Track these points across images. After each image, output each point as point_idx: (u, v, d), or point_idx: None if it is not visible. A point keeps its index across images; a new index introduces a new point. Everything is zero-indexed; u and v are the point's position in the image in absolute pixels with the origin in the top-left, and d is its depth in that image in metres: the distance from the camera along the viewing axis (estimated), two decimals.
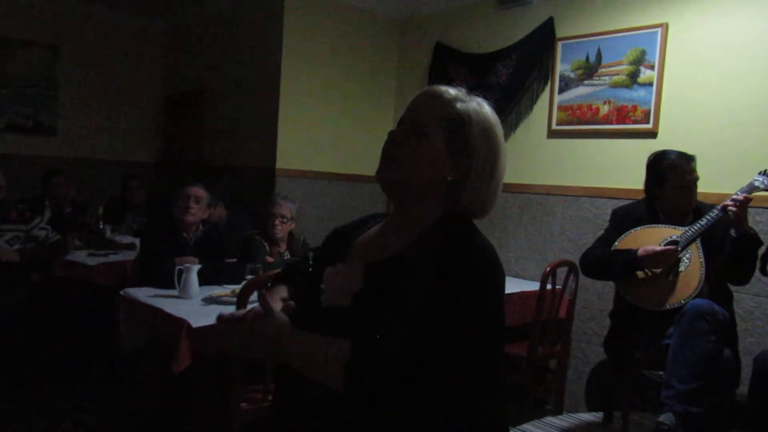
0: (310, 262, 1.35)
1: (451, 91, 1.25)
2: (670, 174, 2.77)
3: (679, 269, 2.69)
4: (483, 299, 1.13)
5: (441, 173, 1.21)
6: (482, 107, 1.26)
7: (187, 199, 3.29)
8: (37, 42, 5.40)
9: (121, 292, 2.96)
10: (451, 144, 1.21)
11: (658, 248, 2.67)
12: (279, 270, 1.39)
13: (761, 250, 2.68)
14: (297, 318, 1.20)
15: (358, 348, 1.09)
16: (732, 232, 2.59)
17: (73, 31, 5.58)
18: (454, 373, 1.09)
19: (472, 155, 1.21)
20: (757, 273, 2.70)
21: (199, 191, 3.34)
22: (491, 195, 1.25)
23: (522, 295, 3.59)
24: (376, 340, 1.09)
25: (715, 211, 2.65)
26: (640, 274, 2.73)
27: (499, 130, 1.26)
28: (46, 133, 5.49)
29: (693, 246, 2.69)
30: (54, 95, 5.53)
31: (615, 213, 3.03)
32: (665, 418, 2.41)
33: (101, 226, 4.47)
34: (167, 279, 2.90)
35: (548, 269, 3.33)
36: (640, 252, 2.68)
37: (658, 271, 2.70)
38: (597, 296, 3.68)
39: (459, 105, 1.23)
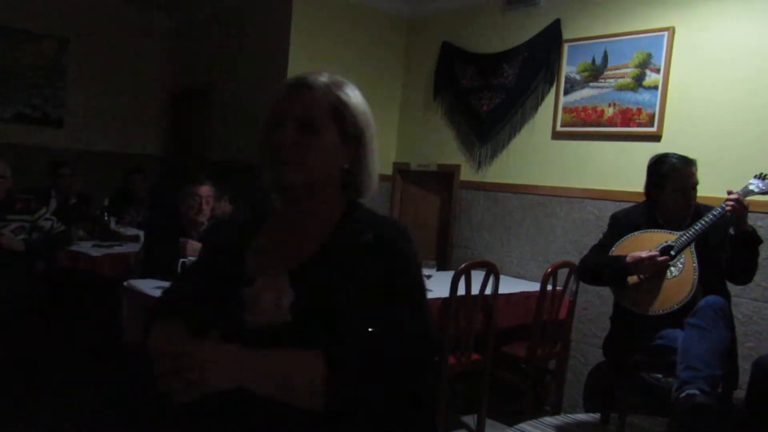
0: (187, 284, 1.26)
1: (322, 79, 1.21)
2: (670, 177, 2.75)
3: (673, 274, 2.70)
4: (420, 273, 1.20)
5: (338, 163, 1.20)
6: (351, 86, 1.24)
7: (200, 200, 3.34)
8: (47, 34, 5.44)
9: (125, 284, 2.99)
10: (342, 132, 1.19)
11: (644, 254, 2.67)
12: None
13: None
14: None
15: (338, 360, 1.04)
16: (731, 230, 2.60)
17: (82, 24, 5.61)
18: (411, 349, 1.11)
19: (361, 137, 1.21)
20: (757, 277, 2.71)
21: (208, 191, 3.41)
22: (377, 170, 1.26)
23: (522, 296, 3.60)
24: (352, 348, 1.06)
25: (710, 216, 2.64)
26: (632, 279, 2.74)
27: (366, 102, 1.26)
28: (53, 125, 5.53)
29: (687, 251, 2.68)
30: (62, 87, 5.58)
31: (614, 217, 3.01)
32: (689, 388, 2.30)
33: (106, 218, 4.51)
34: (170, 271, 2.92)
35: (549, 270, 3.33)
36: (628, 259, 2.69)
37: (649, 276, 2.71)
38: (597, 298, 3.69)
39: (336, 91, 1.20)
